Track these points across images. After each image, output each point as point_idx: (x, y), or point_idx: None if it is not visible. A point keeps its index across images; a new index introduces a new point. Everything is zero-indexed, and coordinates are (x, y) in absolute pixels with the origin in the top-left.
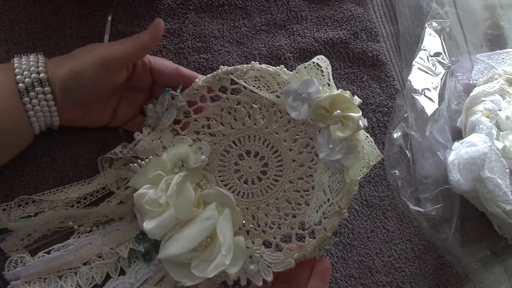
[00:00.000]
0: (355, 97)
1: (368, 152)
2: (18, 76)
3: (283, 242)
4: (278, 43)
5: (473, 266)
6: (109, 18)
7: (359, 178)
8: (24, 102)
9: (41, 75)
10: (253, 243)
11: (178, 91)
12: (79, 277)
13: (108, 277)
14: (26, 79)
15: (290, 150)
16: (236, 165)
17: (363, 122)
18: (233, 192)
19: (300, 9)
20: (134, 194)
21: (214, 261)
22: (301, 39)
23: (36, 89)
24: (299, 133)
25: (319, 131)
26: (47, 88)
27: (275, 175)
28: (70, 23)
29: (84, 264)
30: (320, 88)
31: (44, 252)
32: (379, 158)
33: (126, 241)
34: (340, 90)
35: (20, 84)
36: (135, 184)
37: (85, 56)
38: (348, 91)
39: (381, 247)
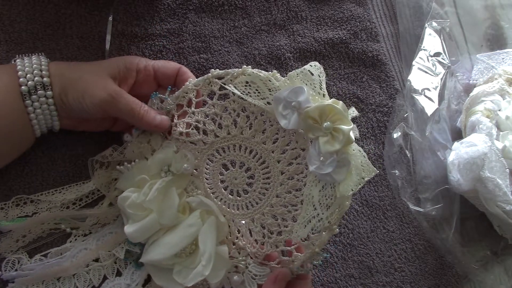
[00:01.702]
0: (352, 108)
1: (359, 167)
2: (21, 79)
3: (267, 260)
4: (278, 43)
5: (473, 266)
6: (110, 18)
7: (350, 193)
8: (26, 104)
9: (44, 79)
10: (239, 253)
11: (167, 94)
12: (77, 279)
13: (105, 278)
14: (29, 82)
15: (279, 162)
16: (221, 175)
17: (355, 134)
18: (219, 201)
19: (300, 9)
20: (118, 197)
21: (194, 271)
22: (301, 39)
23: (38, 92)
24: (290, 143)
25: (311, 142)
26: (49, 93)
27: (261, 188)
28: (70, 23)
29: None
30: (311, 97)
31: (41, 255)
32: (373, 173)
33: (121, 242)
34: (332, 100)
35: (22, 87)
36: (121, 186)
37: (91, 87)
38: (341, 102)
39: (381, 247)
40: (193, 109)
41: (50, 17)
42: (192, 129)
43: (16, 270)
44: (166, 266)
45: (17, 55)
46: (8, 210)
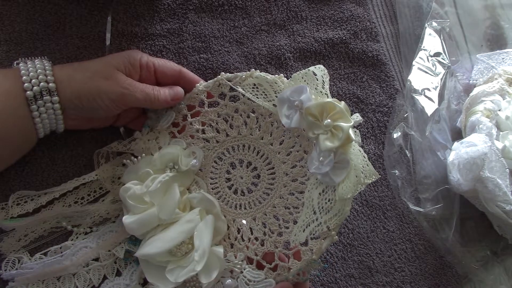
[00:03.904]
0: (356, 114)
1: (359, 169)
2: (26, 84)
3: (265, 260)
4: (278, 43)
5: (473, 266)
6: (109, 18)
7: (349, 196)
8: (31, 109)
9: (50, 84)
10: (235, 257)
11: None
12: (77, 279)
13: (105, 278)
14: (35, 87)
15: (284, 163)
16: (228, 174)
17: (357, 139)
18: (222, 201)
19: (300, 9)
20: (121, 188)
21: (187, 267)
22: (301, 39)
23: (44, 98)
24: (294, 146)
25: (314, 144)
26: (55, 98)
27: (266, 188)
28: (70, 23)
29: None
30: (313, 96)
31: (41, 254)
32: (374, 177)
33: (121, 242)
34: (333, 99)
35: (28, 92)
36: (126, 180)
37: (105, 85)
38: (342, 102)
39: (381, 247)
40: (206, 108)
41: (50, 17)
42: (207, 126)
43: (16, 269)
44: (160, 264)
45: (19, 59)
46: (9, 209)
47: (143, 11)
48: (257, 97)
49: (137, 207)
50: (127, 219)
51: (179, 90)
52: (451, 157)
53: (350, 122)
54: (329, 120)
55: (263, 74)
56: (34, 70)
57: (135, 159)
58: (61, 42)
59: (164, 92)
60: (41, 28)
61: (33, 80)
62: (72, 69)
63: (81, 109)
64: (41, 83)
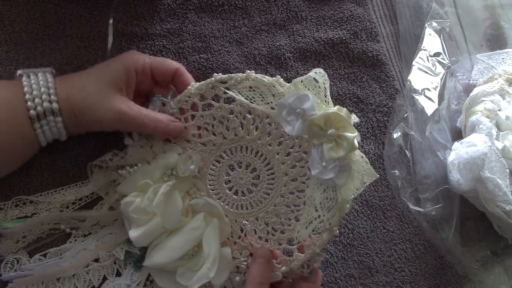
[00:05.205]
0: (353, 115)
1: (362, 172)
2: (29, 103)
3: None
4: (278, 43)
5: (473, 266)
6: (110, 21)
7: (352, 197)
8: (35, 127)
9: (53, 104)
10: (240, 253)
11: (169, 97)
12: (77, 280)
13: (105, 279)
14: (38, 108)
15: (283, 164)
16: (227, 176)
17: (357, 139)
18: (223, 202)
19: (300, 9)
20: (121, 201)
21: (198, 273)
22: (301, 39)
23: (48, 118)
24: (293, 147)
25: (314, 146)
26: (58, 118)
27: (266, 188)
28: (70, 23)
29: None
30: (316, 104)
31: (41, 255)
32: (374, 178)
33: (120, 243)
34: (336, 107)
35: (31, 111)
36: (123, 190)
37: (97, 110)
38: (344, 109)
39: (381, 247)
40: (201, 112)
41: (50, 17)
42: (203, 130)
43: (15, 270)
44: (169, 269)
45: (23, 72)
46: (8, 210)
47: (143, 11)
48: (254, 100)
49: (140, 219)
50: (133, 233)
51: (180, 126)
52: (451, 157)
53: (354, 131)
54: (333, 130)
55: (259, 76)
56: (38, 88)
57: (131, 169)
58: (61, 42)
59: (163, 124)
60: (41, 28)
61: (36, 100)
62: (71, 87)
63: (79, 125)
64: (45, 103)
